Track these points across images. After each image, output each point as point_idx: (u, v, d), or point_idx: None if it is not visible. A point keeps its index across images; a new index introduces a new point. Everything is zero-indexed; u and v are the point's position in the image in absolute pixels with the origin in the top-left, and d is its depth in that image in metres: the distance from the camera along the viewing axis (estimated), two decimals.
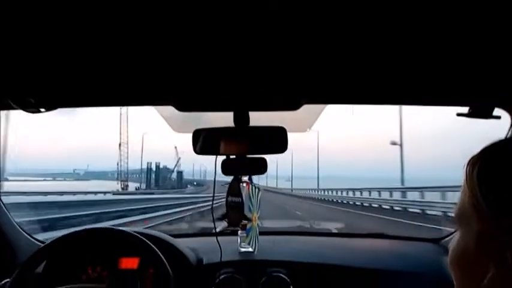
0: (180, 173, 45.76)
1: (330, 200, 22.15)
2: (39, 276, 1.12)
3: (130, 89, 0.95)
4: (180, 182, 43.37)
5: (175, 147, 46.32)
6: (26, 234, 1.33)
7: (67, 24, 0.63)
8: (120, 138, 37.73)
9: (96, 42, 0.70)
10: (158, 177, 41.34)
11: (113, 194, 17.47)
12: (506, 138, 0.48)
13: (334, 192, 23.39)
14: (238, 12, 0.61)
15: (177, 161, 45.92)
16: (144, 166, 41.88)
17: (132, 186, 34.04)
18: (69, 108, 1.06)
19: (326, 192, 25.30)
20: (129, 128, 38.01)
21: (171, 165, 46.35)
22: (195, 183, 42.65)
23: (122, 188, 32.31)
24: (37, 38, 0.67)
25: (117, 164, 37.57)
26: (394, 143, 17.78)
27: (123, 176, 37.34)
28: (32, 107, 0.93)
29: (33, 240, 1.35)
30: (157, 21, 0.64)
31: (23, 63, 0.77)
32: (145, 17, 0.62)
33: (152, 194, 21.79)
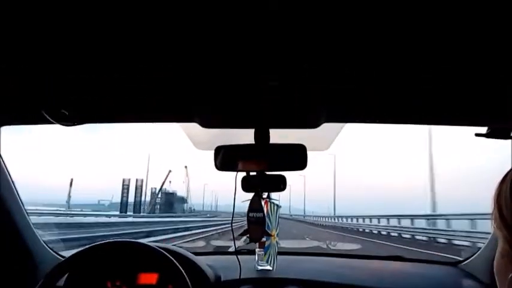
0: (170, 195, 36.06)
1: (348, 228, 21.48)
2: None
3: (158, 106, 1.01)
4: (170, 206, 34.65)
5: (186, 167, 39.10)
6: (51, 251, 1.37)
7: (102, 40, 0.68)
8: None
9: (125, 61, 0.76)
10: (140, 204, 33.21)
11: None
12: None
13: (350, 220, 22.76)
14: (264, 34, 0.65)
15: (166, 176, 36.94)
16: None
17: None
18: (98, 123, 1.11)
19: (341, 220, 24.61)
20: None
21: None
22: (208, 215, 35.50)
23: None
24: (66, 55, 0.73)
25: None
26: None
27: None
28: (65, 120, 0.99)
29: (57, 256, 1.38)
30: (183, 43, 0.69)
31: (57, 76, 0.82)
32: (172, 39, 0.67)
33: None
